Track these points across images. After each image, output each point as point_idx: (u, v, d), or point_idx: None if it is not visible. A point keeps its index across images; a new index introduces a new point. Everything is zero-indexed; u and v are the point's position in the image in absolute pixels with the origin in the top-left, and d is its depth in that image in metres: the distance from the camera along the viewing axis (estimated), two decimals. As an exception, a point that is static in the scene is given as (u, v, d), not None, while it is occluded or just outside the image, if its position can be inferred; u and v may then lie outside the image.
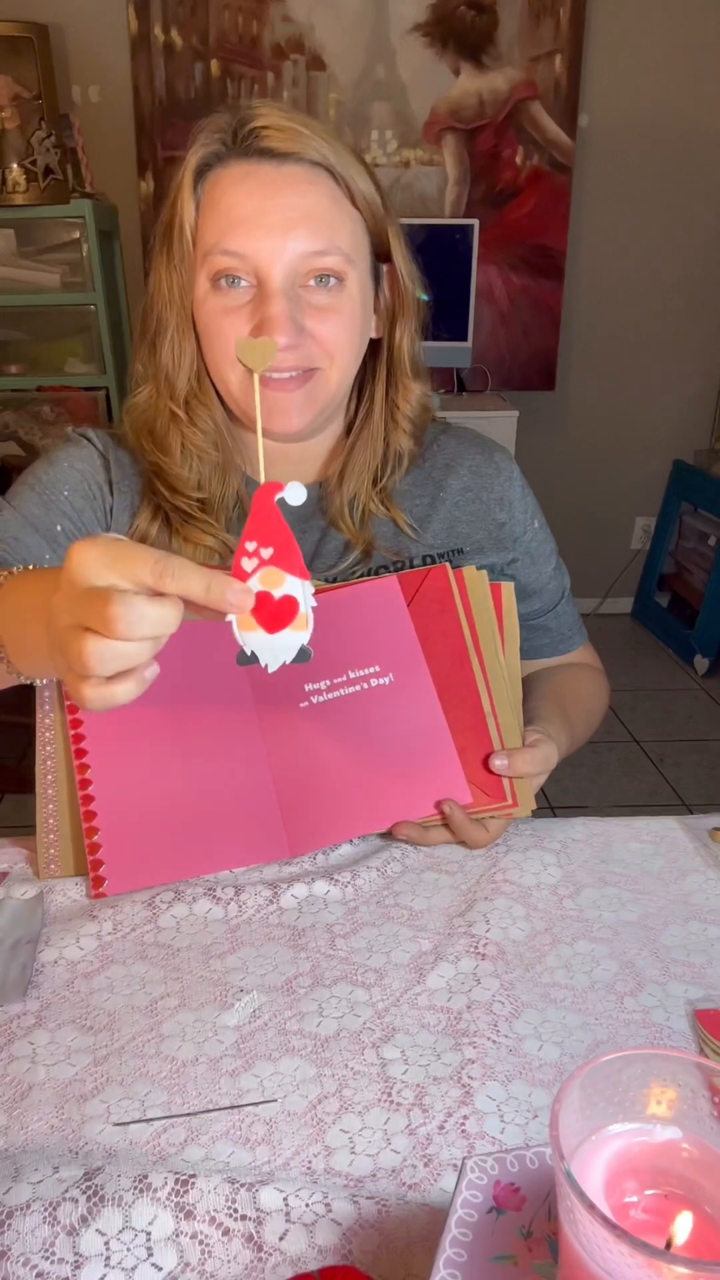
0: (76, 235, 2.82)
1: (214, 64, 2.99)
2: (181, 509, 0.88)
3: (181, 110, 3.02)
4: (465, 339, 3.10)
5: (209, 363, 0.85)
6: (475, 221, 3.03)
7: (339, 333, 0.82)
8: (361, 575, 0.92)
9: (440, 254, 3.00)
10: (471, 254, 3.02)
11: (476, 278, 3.06)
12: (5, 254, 2.82)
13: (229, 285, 0.79)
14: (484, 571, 0.89)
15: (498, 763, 0.81)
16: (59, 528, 0.89)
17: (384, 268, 0.87)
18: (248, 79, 3.02)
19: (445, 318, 3.04)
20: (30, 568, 0.74)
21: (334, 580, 0.91)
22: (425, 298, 0.90)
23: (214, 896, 0.77)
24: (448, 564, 0.86)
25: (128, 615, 0.50)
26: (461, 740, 0.84)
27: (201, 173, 0.80)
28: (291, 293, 0.79)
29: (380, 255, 0.86)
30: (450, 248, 3.01)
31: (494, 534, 0.97)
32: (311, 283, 0.80)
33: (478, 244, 3.02)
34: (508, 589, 0.89)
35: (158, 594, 0.52)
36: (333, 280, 0.80)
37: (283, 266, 0.78)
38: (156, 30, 2.95)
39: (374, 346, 0.90)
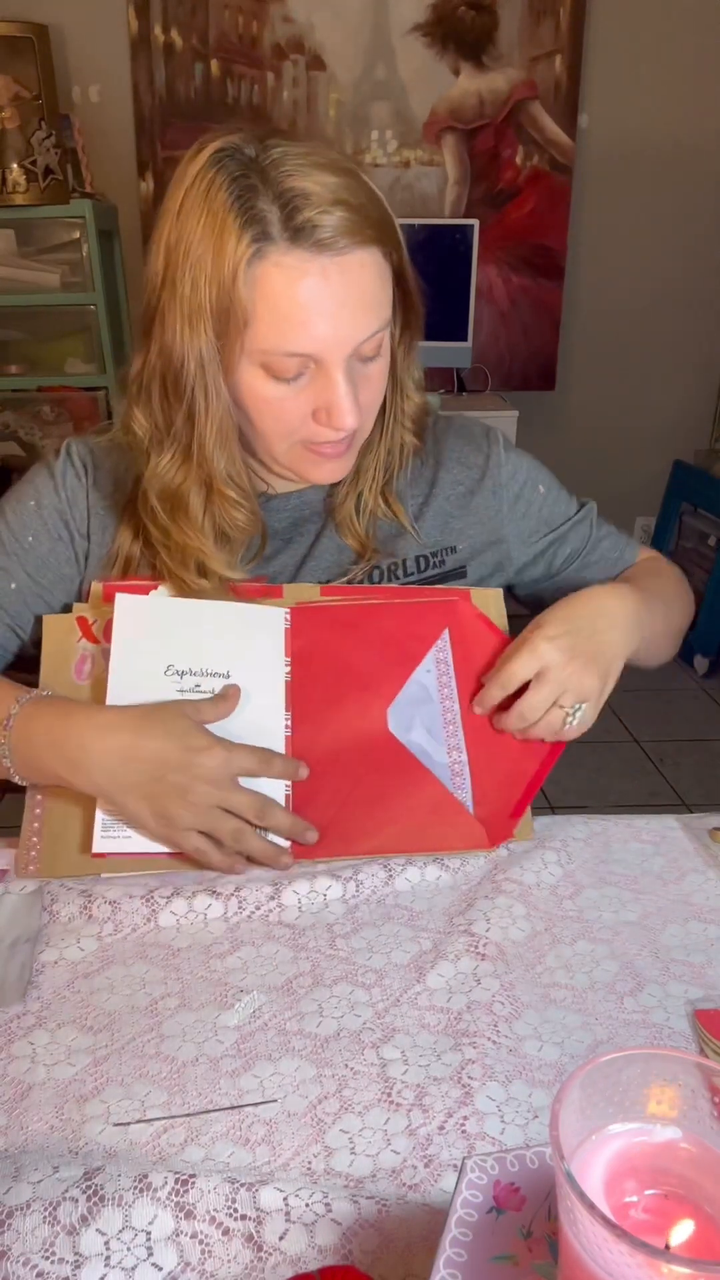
0: (76, 235, 2.82)
1: (214, 64, 2.99)
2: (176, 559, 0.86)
3: (181, 110, 3.02)
4: (465, 339, 3.10)
5: (253, 430, 0.82)
6: (475, 221, 3.03)
7: (377, 395, 0.84)
8: (360, 577, 0.92)
9: (440, 254, 3.00)
10: (471, 254, 3.02)
11: (476, 278, 3.06)
12: (5, 254, 2.82)
13: (290, 381, 0.77)
14: (498, 590, 0.92)
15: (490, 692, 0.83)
16: (13, 585, 0.89)
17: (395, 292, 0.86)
18: (248, 79, 3.02)
19: (445, 318, 3.04)
20: (46, 694, 0.83)
21: (328, 581, 0.91)
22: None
23: (214, 892, 0.77)
24: (469, 590, 0.90)
25: (272, 819, 0.79)
26: (482, 774, 0.85)
27: (250, 261, 0.73)
28: (350, 372, 0.78)
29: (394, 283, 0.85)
30: (450, 248, 3.01)
31: (489, 526, 0.96)
32: (362, 360, 0.79)
33: (478, 244, 3.02)
34: (495, 596, 0.90)
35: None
36: (376, 352, 0.80)
37: (344, 354, 0.76)
38: (156, 30, 2.95)
39: None
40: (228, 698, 0.82)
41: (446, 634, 0.87)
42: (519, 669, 0.81)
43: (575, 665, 0.80)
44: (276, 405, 0.79)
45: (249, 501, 0.85)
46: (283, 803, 0.81)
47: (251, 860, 0.80)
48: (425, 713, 0.85)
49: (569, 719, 0.81)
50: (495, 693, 0.83)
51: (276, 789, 0.81)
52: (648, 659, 0.95)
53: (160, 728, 0.76)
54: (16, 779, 0.81)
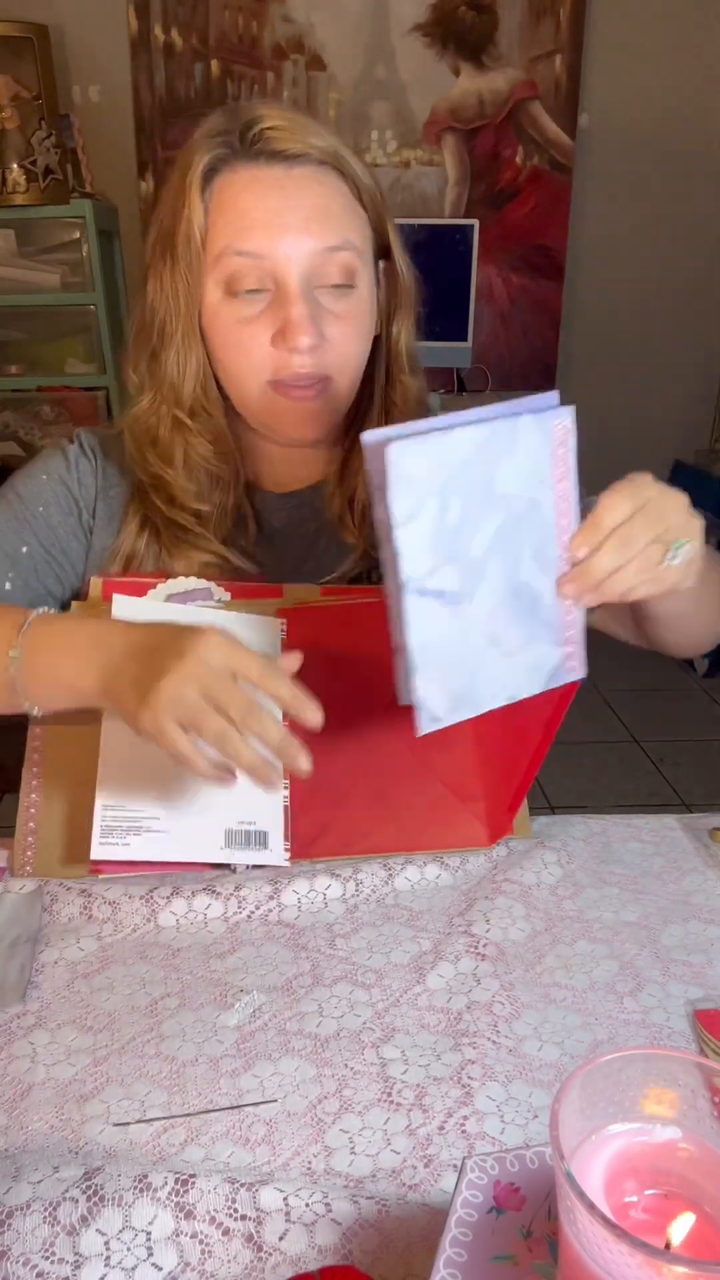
0: (76, 235, 2.82)
1: (214, 64, 2.99)
2: (178, 523, 0.87)
3: (181, 110, 3.02)
4: (465, 339, 3.10)
5: (224, 372, 0.84)
6: (475, 221, 3.03)
7: (350, 339, 0.82)
8: (359, 574, 0.92)
9: (440, 254, 3.00)
10: (471, 254, 3.02)
11: (476, 278, 3.06)
12: (5, 254, 2.82)
13: (247, 295, 0.78)
14: None
15: (568, 589, 0.67)
16: (24, 549, 0.89)
17: (382, 264, 0.87)
18: (248, 79, 3.02)
19: (445, 318, 3.04)
20: (50, 611, 0.79)
21: (328, 581, 0.91)
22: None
23: (214, 892, 0.77)
24: None
25: (260, 715, 0.66)
26: (484, 766, 0.85)
27: (208, 177, 0.78)
28: (309, 294, 0.78)
29: (380, 251, 0.86)
30: (450, 248, 3.01)
31: None
32: (328, 286, 0.79)
33: (478, 244, 3.02)
34: None
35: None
36: (346, 285, 0.80)
37: (300, 267, 0.77)
38: (156, 30, 2.95)
39: (372, 343, 0.90)
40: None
41: (571, 434, 0.66)
42: (626, 496, 0.66)
43: (676, 501, 0.68)
44: (237, 332, 0.79)
45: (216, 439, 0.87)
46: (281, 807, 0.81)
47: (238, 766, 0.68)
48: (536, 535, 0.66)
49: (670, 557, 0.67)
50: (607, 520, 0.65)
51: (274, 791, 0.81)
52: (696, 615, 0.84)
53: (175, 626, 0.72)
54: (19, 697, 0.77)
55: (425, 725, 0.66)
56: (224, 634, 0.67)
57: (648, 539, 0.66)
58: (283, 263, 0.77)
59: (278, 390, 0.81)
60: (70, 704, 0.76)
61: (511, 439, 0.63)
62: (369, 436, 0.60)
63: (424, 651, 0.64)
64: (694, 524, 0.69)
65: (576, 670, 0.71)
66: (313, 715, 0.67)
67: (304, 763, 0.67)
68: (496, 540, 0.64)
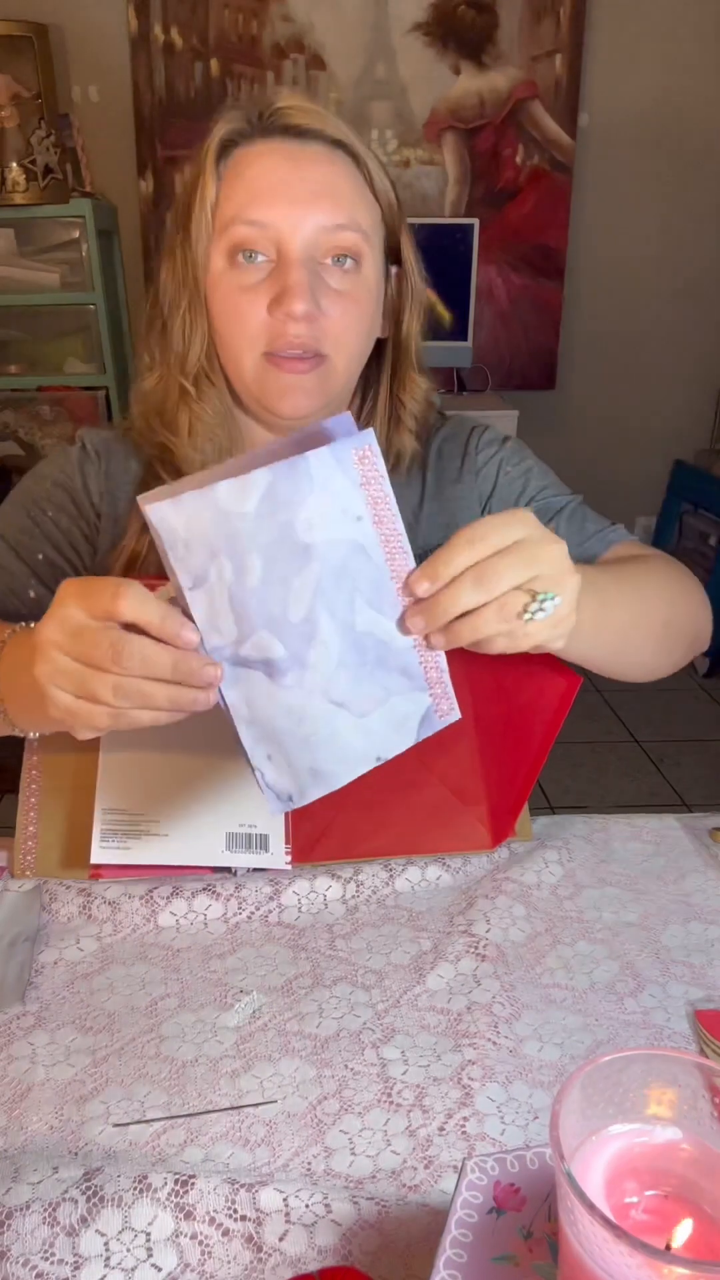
0: (76, 235, 2.81)
1: (214, 64, 2.99)
2: None
3: (181, 110, 3.02)
4: (465, 339, 3.10)
5: (222, 342, 0.83)
6: (475, 221, 3.03)
7: (350, 319, 0.81)
8: None
9: (440, 254, 2.99)
10: (471, 254, 3.02)
11: (476, 277, 3.05)
12: (5, 254, 2.82)
13: (247, 261, 0.79)
14: None
15: (421, 586, 0.56)
16: (40, 556, 0.89)
17: (394, 269, 0.86)
18: (248, 79, 3.01)
19: (445, 317, 3.04)
20: (31, 626, 0.73)
21: None
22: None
23: (214, 892, 0.77)
24: None
25: (128, 649, 0.53)
26: (489, 768, 0.84)
27: (224, 150, 0.80)
28: (310, 265, 0.78)
29: (391, 254, 0.86)
30: (450, 247, 3.01)
31: (471, 515, 0.95)
32: (329, 261, 0.79)
33: (478, 244, 3.02)
34: None
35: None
36: (350, 261, 0.80)
37: (303, 237, 0.78)
38: (156, 30, 2.95)
39: (379, 345, 0.89)
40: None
41: (378, 460, 0.55)
42: (494, 529, 0.57)
43: (554, 549, 0.59)
44: (237, 300, 0.80)
45: (221, 411, 0.87)
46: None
47: (154, 710, 0.57)
48: (367, 580, 0.57)
49: (534, 609, 0.58)
50: (457, 559, 0.56)
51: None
52: (620, 655, 0.79)
53: None
54: (7, 720, 0.74)
55: (274, 808, 0.60)
56: (77, 582, 0.57)
57: (511, 582, 0.57)
58: (287, 232, 0.77)
59: (271, 362, 0.80)
60: (48, 726, 0.72)
61: (302, 480, 0.53)
62: (144, 498, 0.53)
63: (252, 726, 0.57)
64: (569, 579, 0.59)
65: (449, 713, 0.61)
66: (189, 635, 0.54)
67: (210, 673, 0.54)
68: (318, 596, 0.55)
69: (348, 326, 0.81)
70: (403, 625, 0.57)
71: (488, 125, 3.10)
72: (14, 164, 2.68)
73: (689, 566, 0.94)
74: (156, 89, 3.01)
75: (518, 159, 3.14)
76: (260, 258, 0.79)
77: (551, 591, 0.58)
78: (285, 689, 0.56)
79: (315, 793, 0.59)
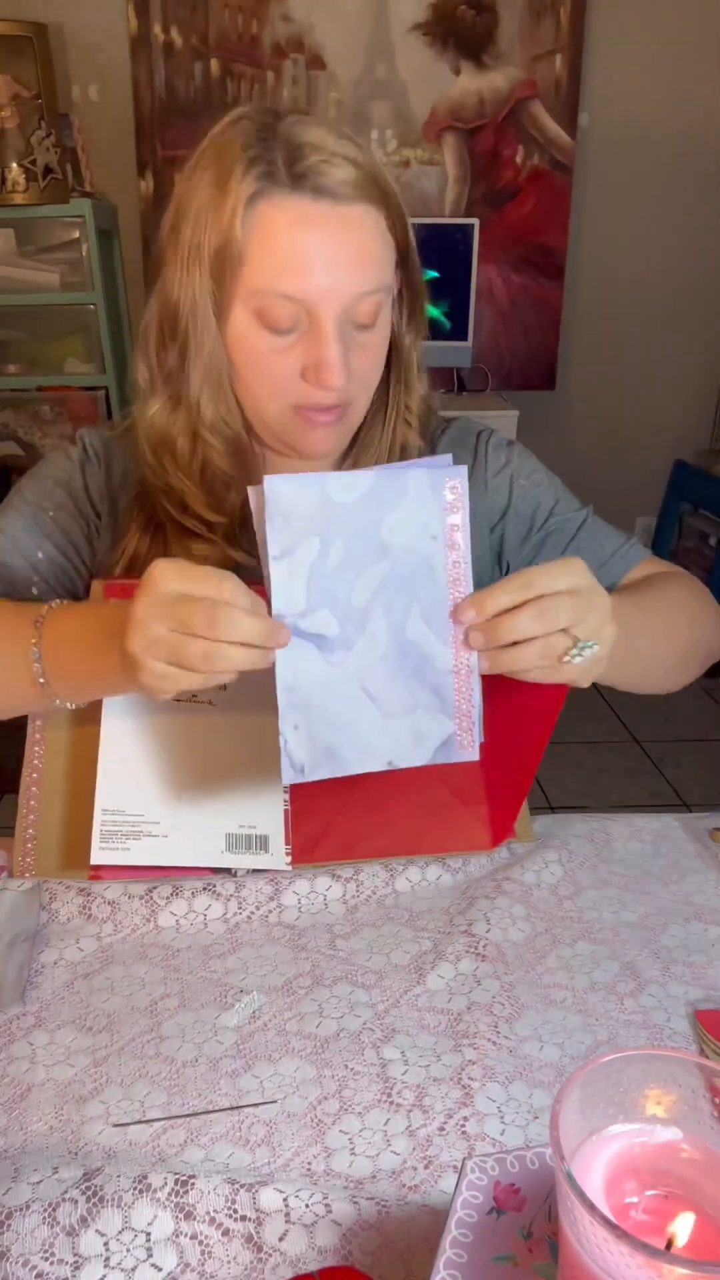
0: (76, 235, 2.81)
1: (214, 63, 2.99)
2: (188, 528, 0.86)
3: (181, 110, 3.02)
4: (465, 339, 3.10)
5: (245, 390, 0.82)
6: (475, 221, 3.02)
7: (371, 369, 0.83)
8: None
9: (440, 254, 2.99)
10: (471, 254, 3.02)
11: (476, 278, 3.05)
12: (5, 253, 2.82)
13: (278, 334, 0.77)
14: None
15: (466, 614, 0.64)
16: (40, 554, 0.89)
17: (400, 274, 0.86)
18: (248, 78, 3.01)
19: (445, 317, 3.04)
20: (64, 602, 0.79)
21: None
22: (435, 313, 0.89)
23: (214, 892, 0.77)
24: None
25: (226, 619, 0.60)
26: (491, 768, 0.84)
27: (251, 200, 0.74)
28: (342, 332, 0.77)
29: (399, 259, 0.85)
30: (450, 247, 3.01)
31: (480, 531, 0.95)
32: (355, 323, 0.78)
33: (478, 244, 3.02)
34: None
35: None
36: (373, 324, 0.80)
37: (338, 309, 0.76)
38: (156, 30, 2.95)
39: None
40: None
41: (464, 497, 0.65)
42: (548, 575, 0.64)
43: (603, 601, 0.66)
44: (267, 360, 0.78)
45: (235, 453, 0.85)
46: (282, 811, 0.81)
47: (234, 671, 0.64)
48: (427, 596, 0.65)
49: (574, 654, 0.65)
50: (504, 598, 0.64)
51: (275, 795, 0.81)
52: (642, 678, 0.85)
53: None
54: (49, 690, 0.76)
55: (287, 775, 0.64)
56: (170, 561, 0.64)
57: (564, 623, 0.64)
58: (322, 304, 0.75)
59: (299, 414, 0.81)
60: (101, 694, 0.77)
61: (400, 489, 0.63)
62: (269, 479, 0.61)
63: (291, 693, 0.63)
64: (608, 630, 0.66)
65: (468, 750, 0.67)
66: (281, 637, 0.63)
67: (283, 637, 0.63)
68: (381, 591, 0.63)
69: (370, 374, 0.83)
70: (469, 635, 0.64)
71: (488, 125, 3.10)
72: (14, 164, 2.68)
73: (688, 567, 0.96)
74: (156, 89, 3.01)
75: (518, 159, 3.14)
76: (293, 332, 0.77)
77: (592, 640, 0.65)
78: (329, 665, 0.64)
79: (324, 771, 0.64)
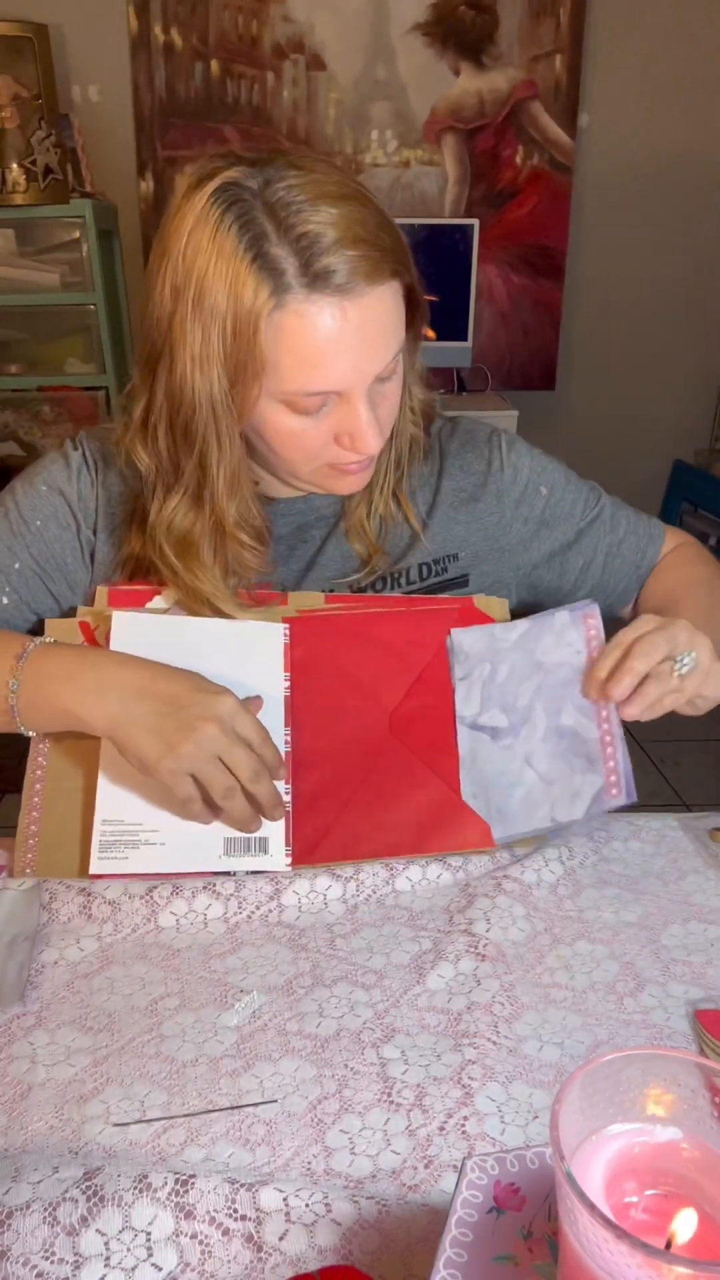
0: (76, 235, 2.81)
1: (214, 64, 2.99)
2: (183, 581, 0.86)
3: (181, 110, 3.02)
4: (465, 339, 3.10)
5: (276, 458, 0.82)
6: (475, 221, 3.02)
7: (394, 410, 0.85)
8: (365, 584, 0.92)
9: (440, 254, 2.99)
10: (471, 254, 3.02)
11: (476, 278, 3.05)
12: (5, 254, 2.82)
13: (313, 415, 0.77)
14: (504, 600, 0.91)
15: (630, 710, 0.79)
16: (16, 565, 0.89)
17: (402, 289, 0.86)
18: (248, 79, 3.01)
19: (445, 317, 3.04)
20: (53, 641, 0.82)
21: (332, 590, 0.91)
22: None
23: (214, 892, 0.77)
24: (471, 598, 0.91)
25: (262, 786, 0.76)
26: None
27: (270, 312, 0.72)
28: (371, 402, 0.78)
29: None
30: (450, 248, 3.00)
31: (491, 534, 0.96)
32: (378, 381, 0.79)
33: (478, 244, 3.02)
34: (500, 604, 0.90)
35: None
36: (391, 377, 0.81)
37: (366, 383, 0.77)
38: (156, 30, 2.95)
39: None
40: (253, 703, 0.82)
41: (599, 626, 0.86)
42: (632, 630, 0.80)
43: (681, 624, 0.80)
44: (300, 436, 0.79)
45: (261, 545, 0.86)
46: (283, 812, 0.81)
47: (225, 818, 0.78)
48: (574, 691, 0.84)
49: (678, 666, 0.78)
50: (610, 661, 0.80)
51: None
52: None
53: (178, 673, 0.78)
54: (17, 721, 0.79)
55: (496, 835, 0.83)
56: (237, 703, 0.76)
57: (663, 652, 0.77)
58: (349, 386, 0.76)
59: (333, 470, 0.83)
60: (67, 729, 0.79)
61: (549, 625, 0.86)
62: (455, 632, 0.86)
63: (470, 772, 0.83)
64: (698, 638, 0.79)
65: (619, 796, 0.83)
66: (278, 814, 0.79)
67: (278, 814, 0.79)
68: (538, 693, 0.85)
69: (393, 413, 0.85)
70: (606, 689, 0.80)
71: (487, 125, 3.10)
72: (14, 164, 2.68)
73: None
74: (156, 89, 3.01)
75: (517, 159, 3.14)
76: (323, 409, 0.77)
77: (688, 650, 0.78)
78: (500, 748, 0.85)
79: (497, 832, 0.82)
